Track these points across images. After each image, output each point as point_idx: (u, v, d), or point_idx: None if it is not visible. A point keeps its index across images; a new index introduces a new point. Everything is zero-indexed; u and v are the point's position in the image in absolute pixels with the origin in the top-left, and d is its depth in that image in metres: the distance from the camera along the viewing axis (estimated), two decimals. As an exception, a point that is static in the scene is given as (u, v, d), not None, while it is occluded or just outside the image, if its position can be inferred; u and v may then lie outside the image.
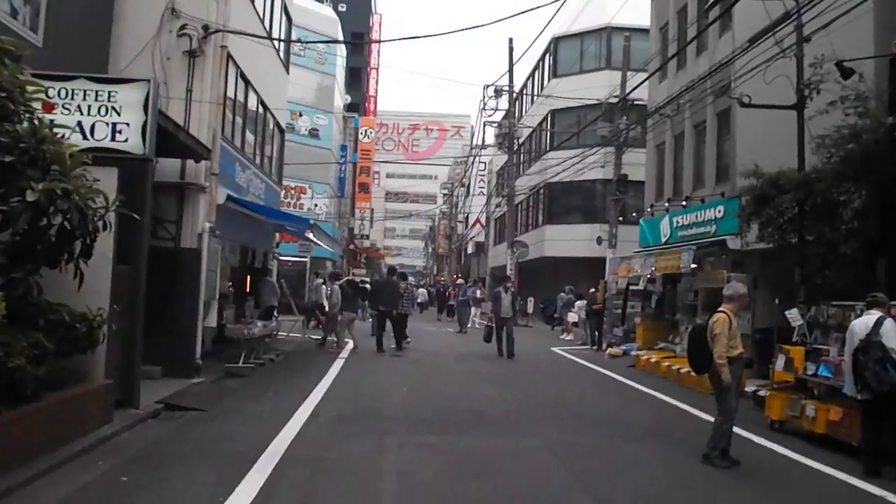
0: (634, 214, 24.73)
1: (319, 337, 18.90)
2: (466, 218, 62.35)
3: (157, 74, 11.16)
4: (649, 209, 22.36)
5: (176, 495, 5.93)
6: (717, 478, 7.22)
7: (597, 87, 29.65)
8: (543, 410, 10.72)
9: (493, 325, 18.47)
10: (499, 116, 34.74)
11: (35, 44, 9.29)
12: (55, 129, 6.57)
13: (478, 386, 12.92)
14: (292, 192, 33.36)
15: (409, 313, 19.26)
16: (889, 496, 6.77)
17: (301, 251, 27.86)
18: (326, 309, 18.65)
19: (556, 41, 35.60)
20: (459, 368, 15.40)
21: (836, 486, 7.27)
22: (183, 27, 11.97)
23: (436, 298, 41.14)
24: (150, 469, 6.63)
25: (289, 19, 19.53)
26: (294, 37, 22.81)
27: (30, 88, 6.47)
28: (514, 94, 33.99)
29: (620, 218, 25.10)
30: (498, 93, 32.82)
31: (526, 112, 40.62)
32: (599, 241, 27.18)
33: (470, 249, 61.98)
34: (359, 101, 55.01)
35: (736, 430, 7.95)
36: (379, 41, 59.21)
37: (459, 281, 36.34)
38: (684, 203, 19.02)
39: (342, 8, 55.05)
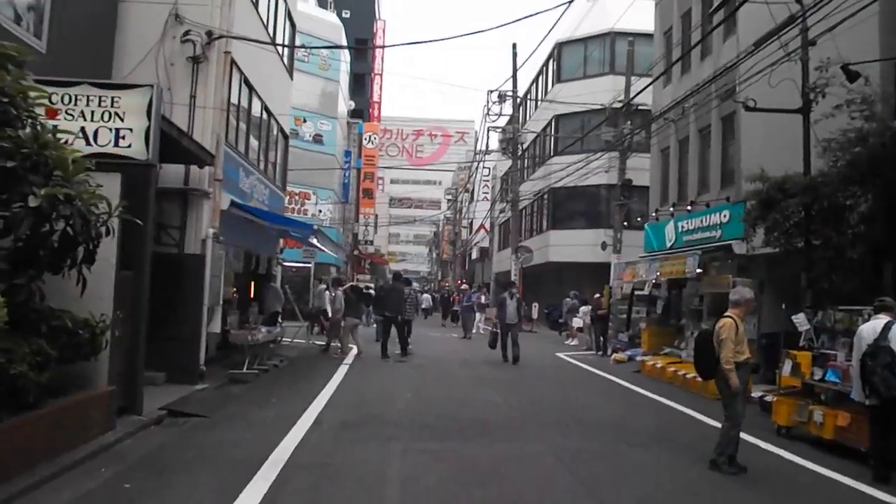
0: (639, 219, 24.72)
1: (323, 343, 18.87)
2: (471, 223, 62.31)
3: (160, 80, 11.15)
4: (654, 214, 22.31)
5: (179, 502, 5.89)
6: (723, 484, 7.15)
7: (601, 92, 29.62)
8: (548, 416, 10.66)
9: (498, 331, 18.42)
10: (503, 122, 34.76)
11: (39, 50, 9.31)
12: (58, 135, 6.56)
13: (482, 392, 12.86)
14: (296, 197, 33.36)
15: (412, 319, 19.23)
16: (898, 503, 6.71)
17: (305, 257, 27.85)
18: (330, 315, 18.62)
19: (560, 46, 35.59)
20: (464, 374, 15.35)
21: (844, 492, 7.20)
22: (187, 33, 11.97)
23: (440, 304, 41.10)
24: (153, 476, 6.59)
25: (293, 25, 19.54)
26: (298, 43, 22.85)
27: (32, 94, 6.46)
28: (518, 100, 33.98)
29: (625, 223, 25.06)
30: (502, 98, 32.85)
31: (530, 117, 40.60)
32: (604, 246, 27.15)
33: (474, 255, 61.92)
34: (363, 107, 55.09)
35: (742, 435, 7.88)
36: (383, 46, 59.32)
37: (464, 286, 36.28)
38: (689, 208, 18.96)
39: (346, 14, 55.09)
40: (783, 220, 11.94)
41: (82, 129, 8.22)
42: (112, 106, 8.37)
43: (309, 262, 29.20)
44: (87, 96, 8.33)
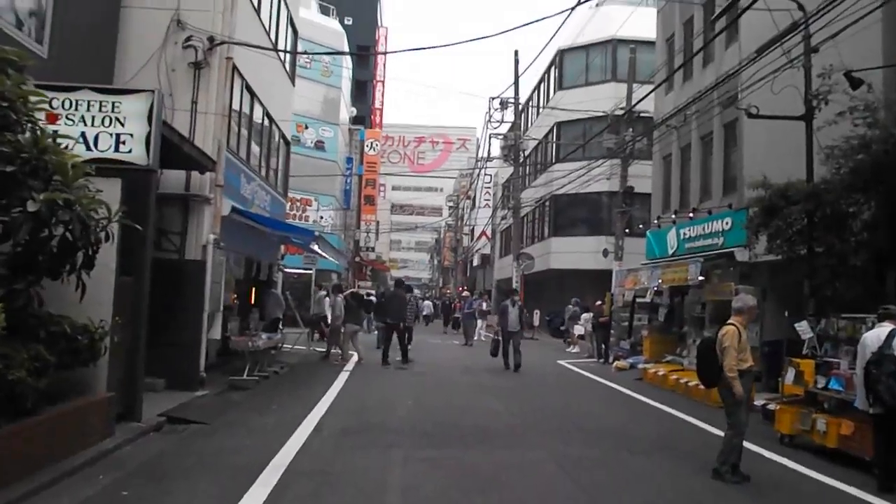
0: (641, 226, 24.69)
1: (324, 349, 18.82)
2: (472, 230, 62.28)
3: (162, 86, 11.12)
4: (656, 221, 22.27)
5: (177, 510, 5.85)
6: (726, 493, 7.09)
7: (602, 99, 29.66)
8: (550, 423, 10.61)
9: (500, 338, 18.35)
10: (504, 129, 34.74)
11: (40, 55, 9.28)
12: (58, 140, 6.53)
13: (483, 399, 12.81)
14: (298, 204, 33.37)
15: (412, 326, 19.19)
16: (903, 512, 6.65)
17: (306, 263, 27.85)
18: (330, 321, 18.58)
19: (562, 53, 35.63)
20: (465, 381, 15.29)
21: (848, 501, 7.13)
22: (188, 39, 11.96)
23: (441, 311, 41.05)
24: (151, 483, 6.55)
25: (295, 32, 19.55)
26: (300, 50, 22.86)
27: (33, 99, 6.44)
28: (520, 107, 33.98)
29: (626, 230, 25.02)
30: (503, 105, 32.85)
31: (532, 124, 40.62)
32: (605, 253, 27.08)
33: (476, 262, 61.89)
34: (365, 114, 55.18)
35: (746, 444, 7.82)
36: (385, 52, 59.43)
37: (465, 293, 36.26)
38: (691, 215, 18.93)
39: (348, 21, 55.18)
40: (786, 228, 11.91)
41: (83, 134, 8.19)
42: (113, 111, 8.35)
43: (310, 269, 29.20)
44: (88, 101, 8.31)
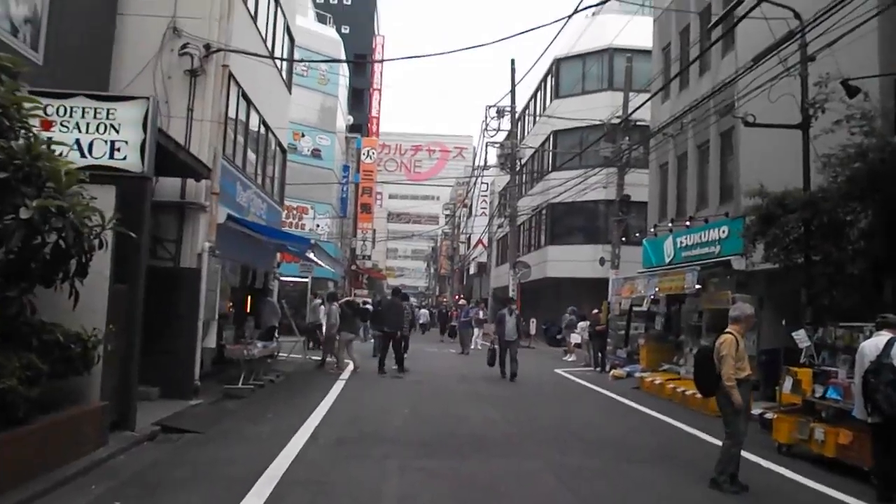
0: (637, 235, 24.65)
1: (319, 358, 18.74)
2: (469, 238, 62.27)
3: (158, 93, 11.14)
4: (653, 229, 22.29)
5: (170, 521, 5.79)
6: (725, 503, 7.04)
7: (599, 107, 29.68)
8: (547, 433, 10.55)
9: (497, 347, 18.27)
10: (501, 137, 34.78)
11: (35, 62, 9.25)
12: (53, 147, 6.48)
13: (480, 408, 12.75)
14: (294, 212, 33.36)
15: (408, 334, 19.12)
16: (903, 523, 6.60)
17: (302, 271, 27.78)
18: (324, 329, 18.52)
19: (558, 62, 35.71)
20: (462, 390, 15.23)
21: (848, 511, 7.10)
22: (184, 46, 11.94)
23: (438, 319, 40.96)
24: (145, 493, 6.48)
25: (291, 40, 19.56)
26: (297, 58, 22.86)
27: (27, 105, 6.38)
28: (517, 115, 34.03)
29: (623, 238, 25.01)
30: (500, 113, 32.90)
31: (528, 133, 40.66)
32: (602, 261, 27.09)
33: (472, 270, 61.83)
34: (361, 122, 55.25)
35: (743, 453, 7.77)
36: (381, 60, 59.52)
37: (462, 302, 36.18)
38: (688, 223, 18.92)
39: (345, 30, 55.39)
40: (783, 236, 11.89)
41: (77, 140, 8.13)
42: (107, 118, 8.30)
43: (306, 277, 29.13)
44: (83, 108, 8.26)
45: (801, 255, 11.82)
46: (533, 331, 32.07)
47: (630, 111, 22.72)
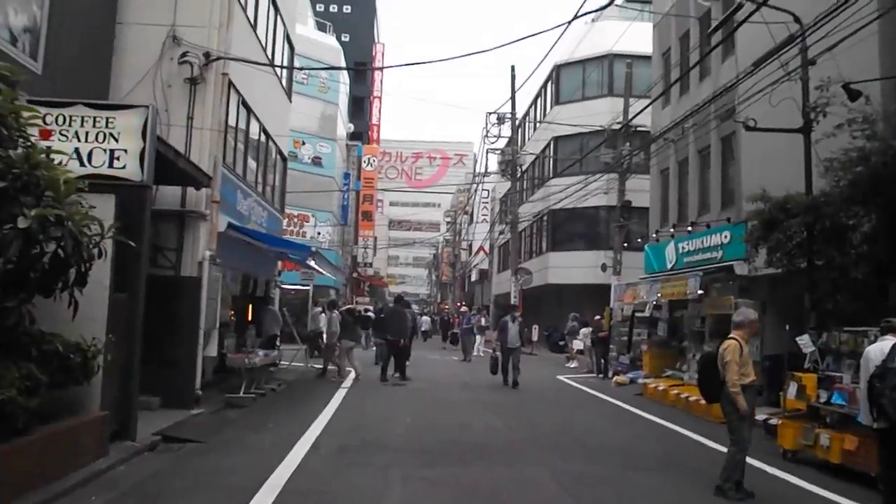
0: (639, 241, 24.63)
1: (321, 366, 18.68)
2: (470, 245, 62.24)
3: (158, 102, 11.11)
4: (654, 235, 22.23)
5: (170, 532, 5.73)
6: (730, 510, 6.99)
7: (599, 113, 29.65)
8: (550, 440, 10.48)
9: (499, 354, 18.17)
10: (502, 143, 34.79)
11: (34, 71, 9.23)
12: (52, 156, 6.45)
13: (483, 416, 12.68)
14: (295, 220, 33.30)
15: (409, 342, 19.08)
16: (910, 529, 6.53)
17: (303, 279, 27.72)
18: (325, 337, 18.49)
19: (558, 69, 35.72)
20: (464, 398, 15.16)
21: (855, 518, 7.03)
22: (184, 55, 11.92)
23: (440, 326, 40.88)
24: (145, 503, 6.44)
25: (291, 48, 19.56)
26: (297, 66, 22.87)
27: (25, 114, 6.36)
28: (517, 122, 34.03)
29: (625, 244, 24.96)
30: (500, 120, 32.92)
31: (529, 139, 40.66)
32: (604, 267, 27.03)
33: (474, 277, 61.80)
34: (362, 130, 55.29)
35: (748, 460, 7.71)
36: (381, 68, 59.59)
37: (463, 309, 36.13)
38: (690, 229, 18.87)
39: (345, 38, 55.46)
40: (785, 241, 11.84)
41: (76, 149, 8.11)
42: (107, 127, 8.29)
43: (307, 285, 29.06)
44: (82, 117, 8.24)
45: (804, 260, 11.77)
46: (535, 337, 32.01)
47: (630, 117, 22.71)
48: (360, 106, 57.36)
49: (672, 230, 20.17)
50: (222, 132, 12.66)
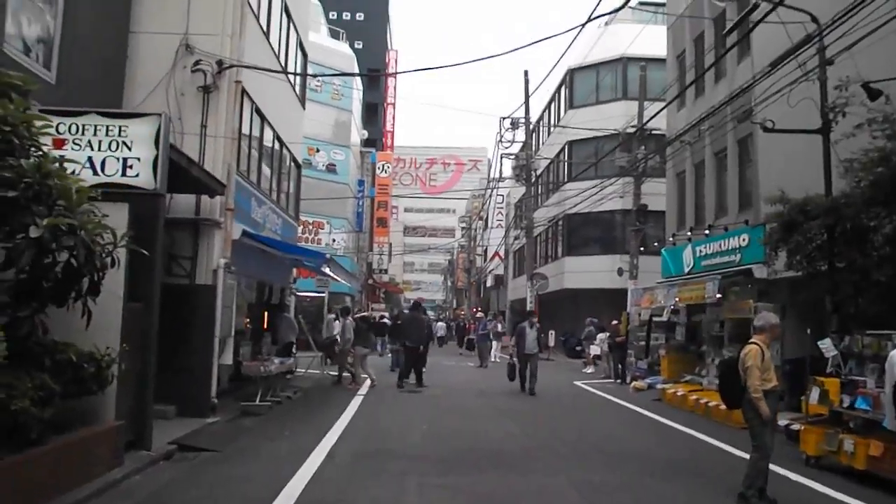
0: (656, 244, 24.46)
1: (336, 373, 18.64)
2: (485, 251, 62.16)
3: (171, 110, 11.09)
4: (671, 239, 22.06)
5: (185, 543, 5.67)
6: (754, 518, 6.85)
7: (613, 117, 29.54)
8: (568, 448, 10.35)
9: (516, 360, 17.99)
10: (516, 148, 34.65)
11: (48, 81, 9.24)
12: (65, 165, 6.42)
13: (499, 422, 12.58)
14: (310, 227, 33.37)
15: (426, 349, 19.00)
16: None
17: (319, 286, 27.70)
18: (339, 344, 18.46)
19: (572, 72, 35.61)
20: (480, 404, 15.06)
21: (882, 526, 6.87)
22: (197, 63, 11.92)
23: (456, 332, 40.78)
24: (159, 514, 6.38)
25: (304, 55, 19.58)
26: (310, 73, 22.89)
27: (38, 123, 6.33)
28: (531, 126, 33.91)
29: (641, 248, 24.79)
30: (514, 125, 32.78)
31: (543, 143, 40.55)
32: (620, 272, 26.87)
33: (489, 283, 61.64)
34: (376, 137, 55.40)
35: (771, 466, 7.55)
36: (395, 73, 59.69)
37: (479, 314, 36.02)
38: (707, 232, 18.70)
39: (358, 45, 55.64)
40: (805, 243, 11.67)
41: (89, 158, 8.11)
42: (119, 135, 8.27)
43: (323, 292, 29.06)
44: (95, 126, 8.23)
45: (824, 263, 11.59)
46: (551, 343, 31.85)
47: (645, 120, 22.55)
48: (374, 112, 57.49)
49: (689, 233, 20.01)
50: (236, 140, 12.65)
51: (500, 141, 33.57)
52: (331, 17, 52.62)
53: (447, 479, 8.01)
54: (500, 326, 30.83)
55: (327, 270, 17.75)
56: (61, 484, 6.39)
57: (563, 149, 36.19)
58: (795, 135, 12.80)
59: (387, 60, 62.66)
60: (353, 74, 38.58)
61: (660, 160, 24.81)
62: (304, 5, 19.97)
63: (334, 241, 35.71)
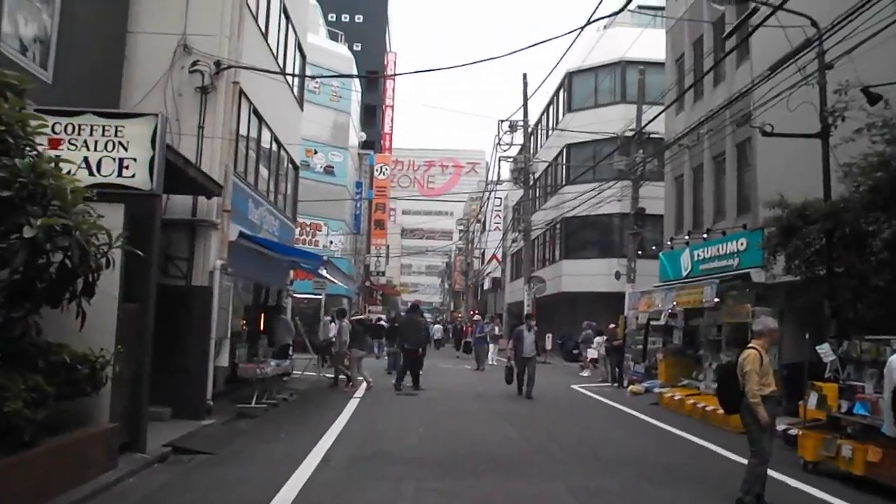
0: (654, 248, 24.43)
1: (332, 376, 18.60)
2: (482, 254, 62.12)
3: (168, 111, 11.05)
4: (669, 243, 22.04)
5: (178, 547, 5.62)
6: (752, 524, 6.80)
7: (612, 121, 29.54)
8: (565, 451, 10.30)
9: (513, 363, 17.93)
10: (514, 151, 34.64)
11: (45, 81, 9.19)
12: (60, 165, 6.37)
13: (496, 426, 12.53)
14: (308, 228, 33.32)
15: (423, 351, 18.96)
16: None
17: (316, 288, 27.64)
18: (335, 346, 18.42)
19: (571, 76, 35.61)
20: (477, 407, 15.01)
21: (880, 532, 6.84)
22: (195, 63, 11.88)
23: (453, 335, 40.72)
24: (153, 518, 6.33)
25: (303, 56, 19.54)
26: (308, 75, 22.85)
27: (33, 123, 6.28)
28: (529, 129, 33.90)
29: (639, 252, 24.77)
30: (513, 128, 32.78)
31: (541, 146, 40.55)
32: (618, 275, 26.82)
33: (486, 285, 61.64)
34: (374, 139, 55.39)
35: (769, 471, 7.51)
36: (393, 75, 59.67)
37: (476, 317, 35.97)
38: (705, 236, 18.68)
39: (357, 47, 55.58)
40: (804, 247, 11.65)
41: (85, 158, 8.05)
42: (116, 135, 8.22)
43: (320, 294, 29.00)
44: (91, 126, 8.17)
45: (823, 267, 11.57)
46: (548, 346, 31.81)
47: (644, 124, 22.54)
48: (372, 114, 57.46)
49: (687, 237, 19.99)
50: (233, 141, 12.61)
51: (499, 144, 33.57)
52: (330, 18, 52.59)
53: (444, 483, 7.97)
54: (497, 329, 30.81)
55: (324, 272, 17.70)
56: (54, 486, 6.34)
57: (561, 152, 36.18)
58: (794, 139, 12.78)
59: (385, 62, 62.62)
60: (351, 76, 38.57)
61: (658, 164, 24.80)
62: (302, 7, 19.95)
63: (332, 242, 35.67)
